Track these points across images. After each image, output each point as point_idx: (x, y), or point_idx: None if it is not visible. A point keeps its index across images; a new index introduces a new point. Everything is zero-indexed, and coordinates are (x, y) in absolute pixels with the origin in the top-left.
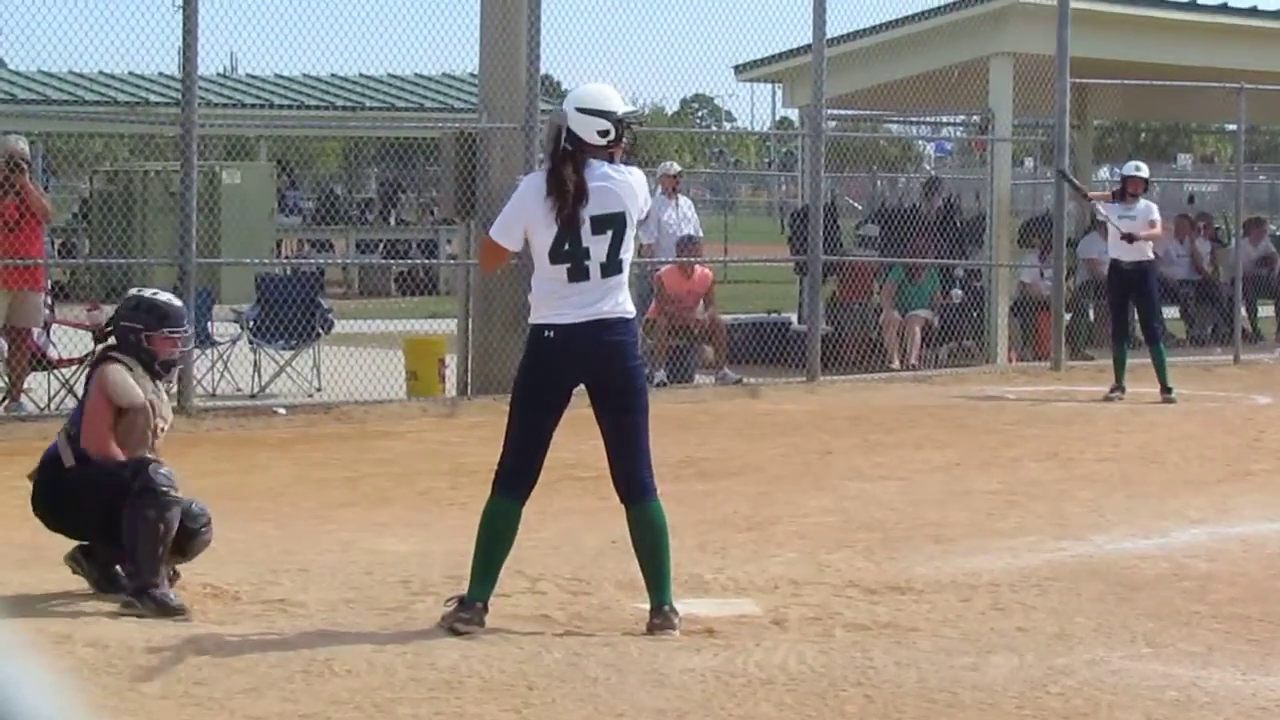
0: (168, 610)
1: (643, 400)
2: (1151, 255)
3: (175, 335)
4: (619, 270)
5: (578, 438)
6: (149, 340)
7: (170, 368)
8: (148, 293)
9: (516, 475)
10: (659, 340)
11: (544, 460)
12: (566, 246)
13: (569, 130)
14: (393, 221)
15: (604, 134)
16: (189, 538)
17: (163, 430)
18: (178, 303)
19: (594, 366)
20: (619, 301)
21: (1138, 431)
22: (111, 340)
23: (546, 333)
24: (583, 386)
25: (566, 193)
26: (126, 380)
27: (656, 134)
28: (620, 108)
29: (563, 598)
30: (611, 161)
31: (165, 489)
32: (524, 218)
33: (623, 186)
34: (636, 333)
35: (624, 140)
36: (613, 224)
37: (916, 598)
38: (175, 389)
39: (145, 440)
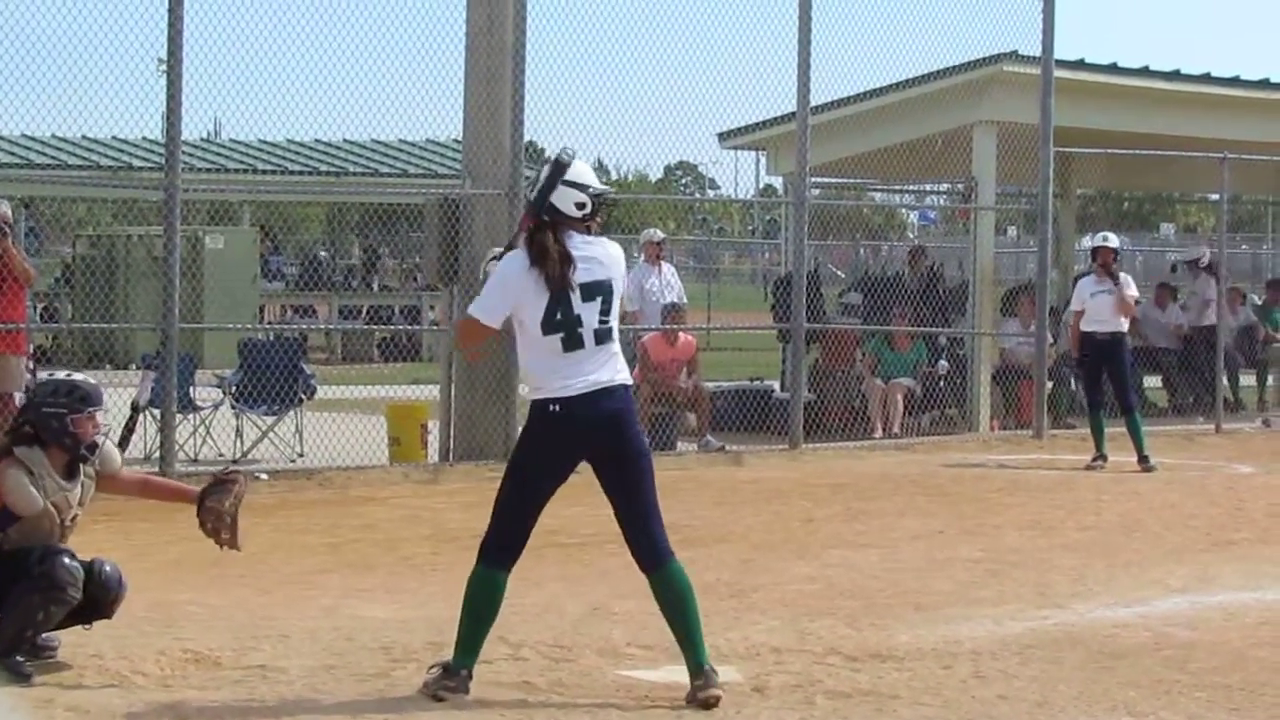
0: (16, 678)
1: (650, 464)
2: (1125, 327)
3: (94, 414)
4: (611, 337)
5: (562, 503)
6: (74, 424)
7: (94, 450)
8: (62, 374)
9: (505, 548)
10: (642, 407)
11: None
12: (558, 315)
13: (541, 196)
14: (376, 287)
15: (581, 206)
16: (108, 604)
17: (73, 521)
18: (94, 382)
19: (601, 438)
20: (618, 369)
21: (1120, 500)
22: (26, 429)
23: (552, 407)
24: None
25: (551, 258)
26: (23, 488)
27: (640, 201)
28: (596, 184)
29: (544, 664)
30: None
31: (65, 587)
32: (511, 294)
33: (605, 255)
34: (634, 399)
35: (599, 217)
36: (600, 291)
37: (898, 665)
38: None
39: (51, 538)
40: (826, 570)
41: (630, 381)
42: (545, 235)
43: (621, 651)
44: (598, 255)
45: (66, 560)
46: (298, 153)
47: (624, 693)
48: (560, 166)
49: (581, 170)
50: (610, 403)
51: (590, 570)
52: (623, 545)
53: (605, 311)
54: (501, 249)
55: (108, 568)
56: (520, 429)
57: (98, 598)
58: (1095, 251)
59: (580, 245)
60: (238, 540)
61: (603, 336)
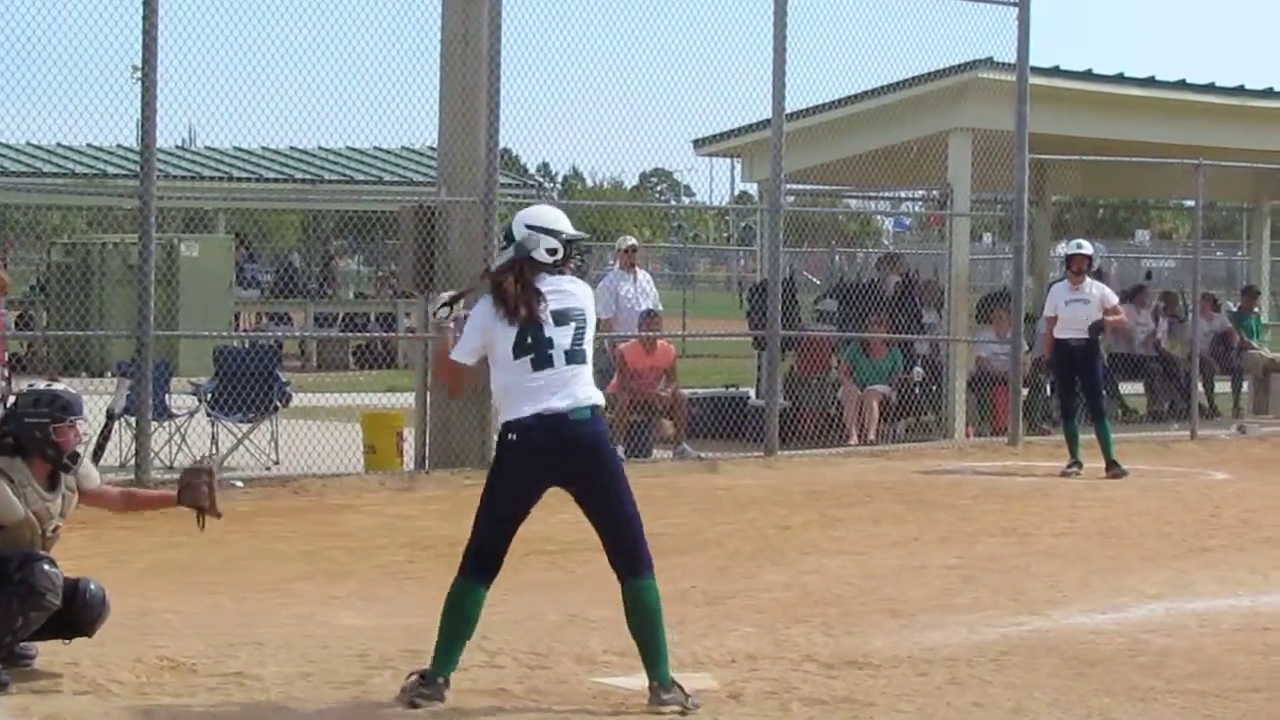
0: None
1: (625, 481)
2: (1092, 335)
3: (76, 423)
4: (583, 360)
5: (548, 510)
6: (56, 433)
7: (77, 460)
8: (42, 385)
9: (485, 560)
10: (619, 416)
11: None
12: (529, 340)
13: (518, 245)
14: (353, 295)
15: (552, 252)
16: (90, 623)
17: (54, 533)
18: (75, 392)
19: (573, 456)
20: (587, 391)
21: (1095, 507)
22: (8, 440)
23: (510, 435)
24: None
25: (511, 295)
26: (5, 497)
27: (615, 208)
28: (569, 230)
29: (521, 672)
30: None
31: (45, 593)
32: (481, 332)
33: (577, 291)
34: (605, 416)
35: (571, 261)
36: (573, 318)
37: (873, 673)
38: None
39: (32, 550)
40: (802, 577)
41: (601, 402)
42: (507, 278)
43: (598, 659)
44: (568, 288)
45: (46, 566)
46: (273, 160)
47: (600, 700)
48: (523, 249)
49: (551, 215)
50: (574, 427)
51: (569, 577)
52: (602, 553)
53: (579, 339)
54: (452, 294)
55: (93, 587)
56: (495, 438)
57: (80, 617)
58: (1070, 259)
59: (552, 282)
60: (217, 507)
61: (574, 357)
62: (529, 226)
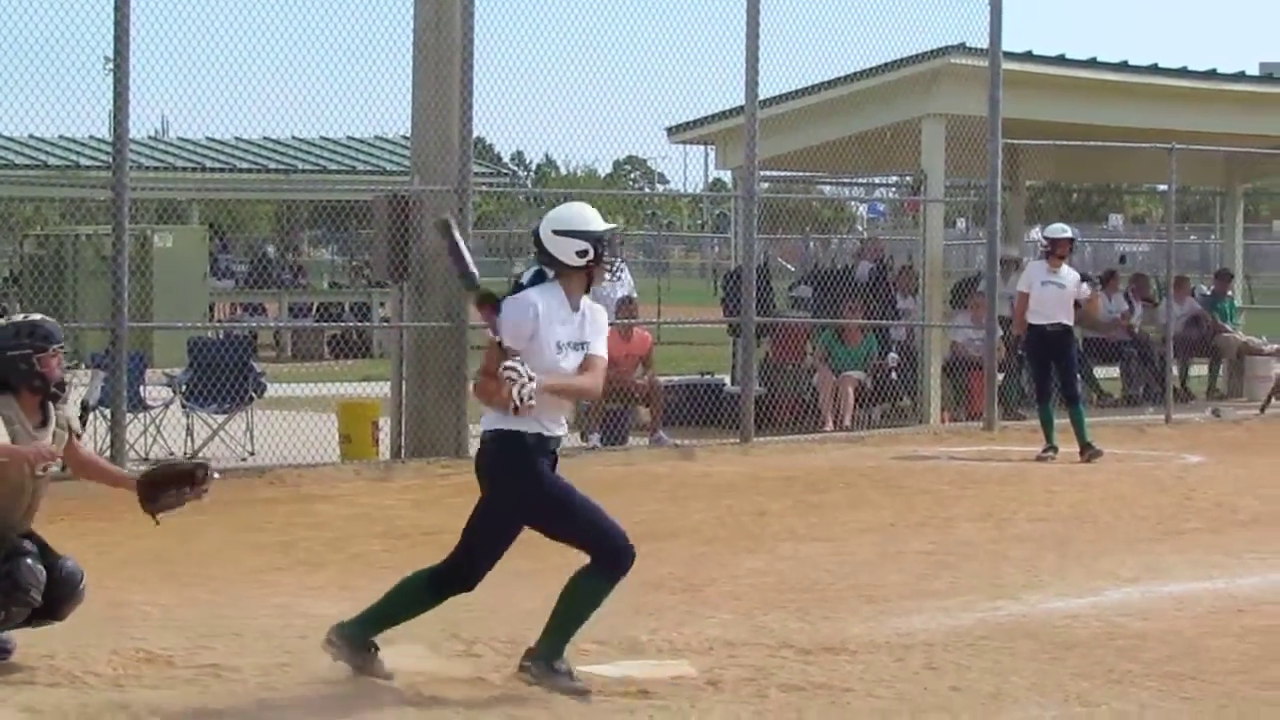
0: None
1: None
2: (1071, 320)
3: (59, 351)
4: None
5: None
6: (40, 362)
7: (64, 387)
8: (19, 317)
9: (468, 580)
10: (595, 403)
11: None
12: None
13: (546, 253)
14: (325, 285)
15: (583, 254)
16: (63, 604)
17: (45, 473)
18: (52, 320)
19: None
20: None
21: (1071, 491)
22: None
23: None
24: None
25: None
26: None
27: (589, 196)
28: (599, 226)
29: (498, 660)
30: (590, 283)
31: (29, 589)
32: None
33: (590, 320)
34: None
35: (604, 258)
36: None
37: (851, 658)
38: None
39: (22, 493)
40: (778, 564)
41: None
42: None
43: (576, 647)
44: (578, 322)
45: (30, 562)
46: (246, 150)
47: (582, 686)
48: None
49: (578, 215)
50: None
51: (545, 565)
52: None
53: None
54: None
55: (70, 564)
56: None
57: (55, 594)
58: (1055, 243)
59: (561, 319)
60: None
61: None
62: (555, 233)
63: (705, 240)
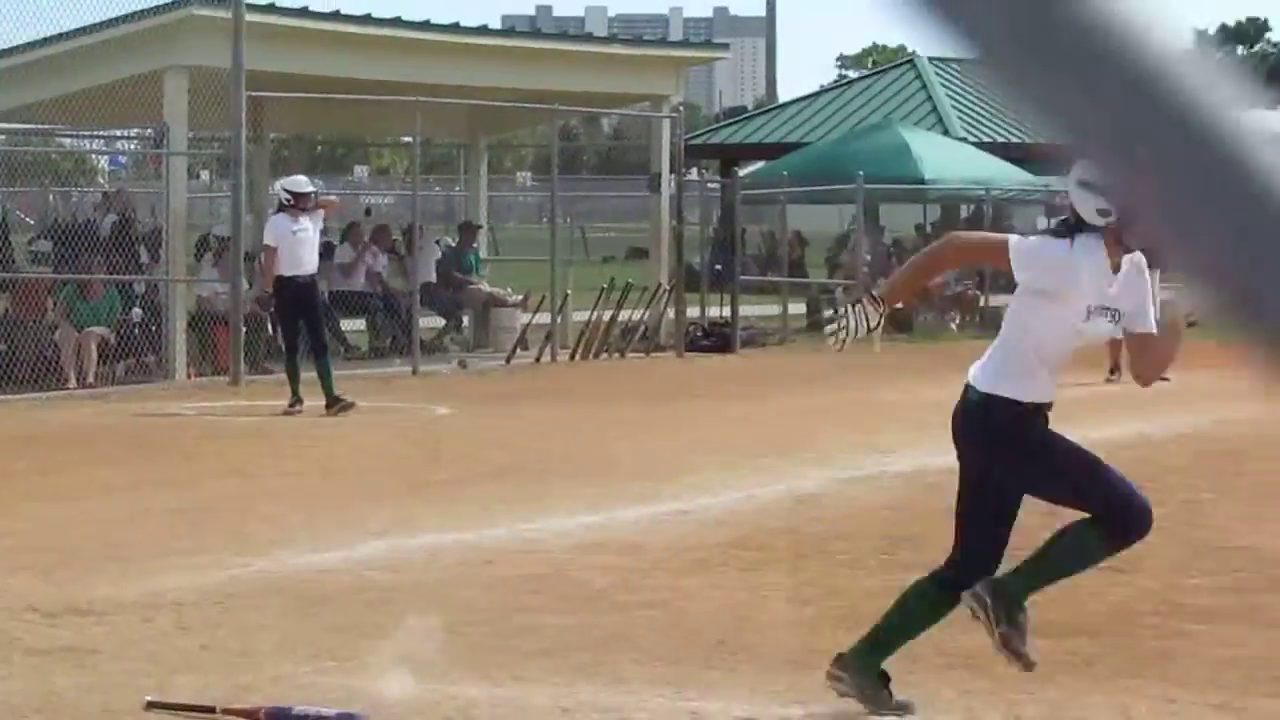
0: None
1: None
2: (315, 270)
3: None
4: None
5: None
6: None
7: None
8: None
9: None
10: None
11: None
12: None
13: (1070, 207)
14: None
15: (1104, 214)
16: None
17: None
18: None
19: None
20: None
21: (319, 445)
22: None
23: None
24: None
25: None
26: None
27: None
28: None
29: None
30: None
31: None
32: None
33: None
34: None
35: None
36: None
37: (98, 619)
38: None
39: None
40: (20, 525)
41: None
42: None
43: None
44: None
45: None
46: None
47: None
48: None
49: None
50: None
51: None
52: None
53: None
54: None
55: None
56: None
57: None
58: (298, 196)
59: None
60: None
61: None
62: (1080, 184)
63: None
